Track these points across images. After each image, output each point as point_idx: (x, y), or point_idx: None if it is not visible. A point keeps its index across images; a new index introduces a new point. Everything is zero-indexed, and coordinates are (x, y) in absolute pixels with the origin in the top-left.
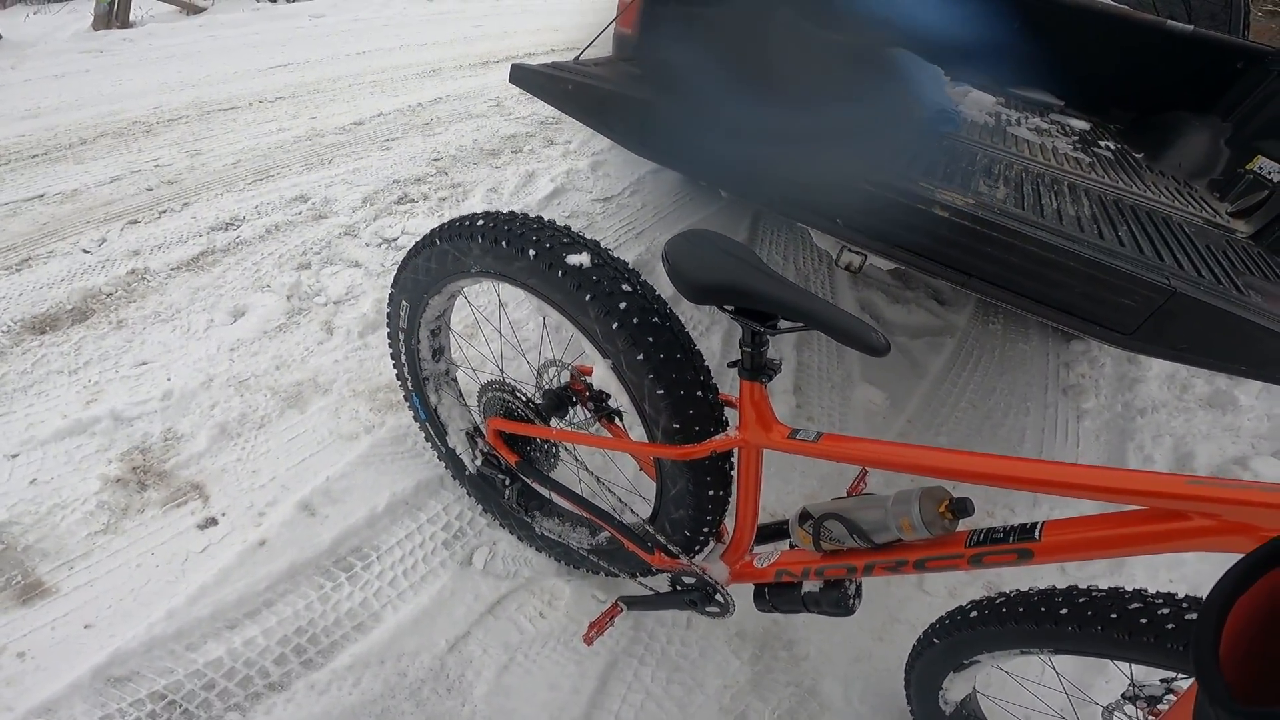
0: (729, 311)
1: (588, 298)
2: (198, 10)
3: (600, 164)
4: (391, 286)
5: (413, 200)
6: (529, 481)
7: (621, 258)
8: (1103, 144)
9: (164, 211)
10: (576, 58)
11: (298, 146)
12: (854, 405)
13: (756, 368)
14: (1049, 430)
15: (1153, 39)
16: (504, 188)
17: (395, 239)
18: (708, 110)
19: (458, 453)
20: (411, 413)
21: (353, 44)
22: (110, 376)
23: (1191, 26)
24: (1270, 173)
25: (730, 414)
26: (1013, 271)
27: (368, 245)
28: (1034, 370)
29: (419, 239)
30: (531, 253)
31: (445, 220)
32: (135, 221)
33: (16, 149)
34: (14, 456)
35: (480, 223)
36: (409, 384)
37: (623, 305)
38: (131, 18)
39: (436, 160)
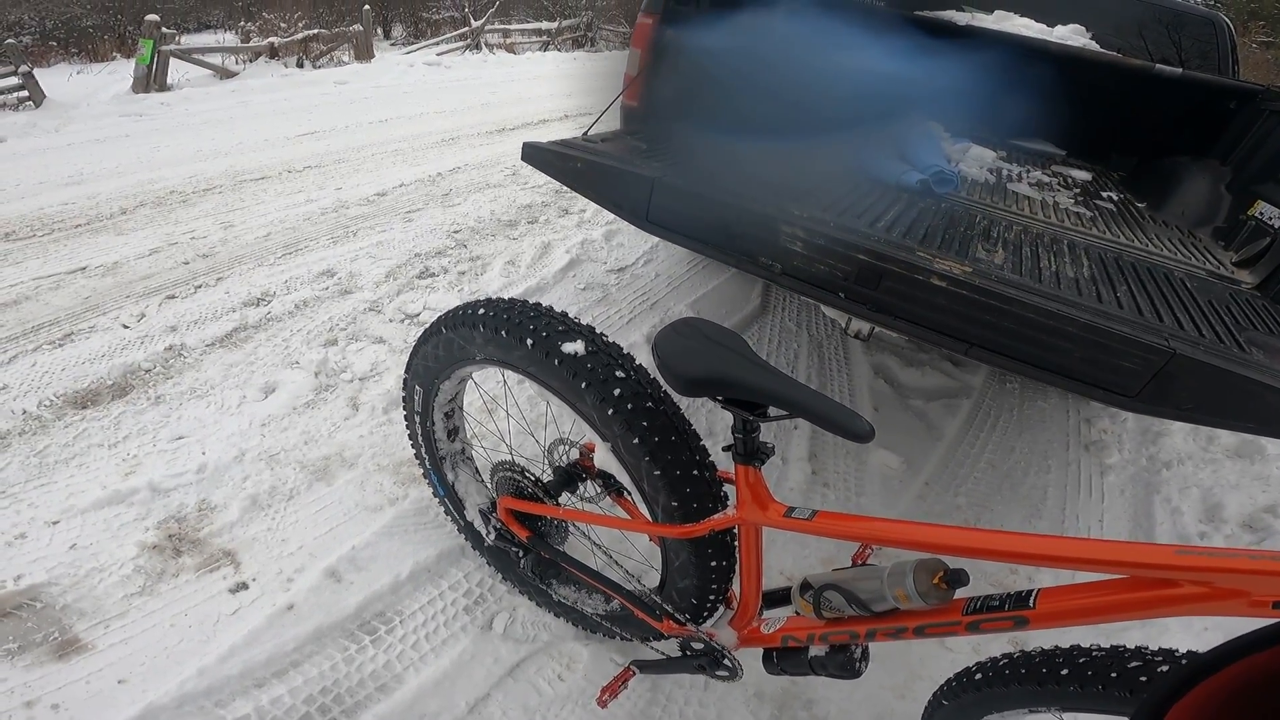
0: (719, 401)
1: (583, 385)
2: (230, 74)
3: (614, 233)
4: (405, 371)
5: (434, 274)
6: (541, 554)
7: (619, 341)
8: (1105, 195)
9: (199, 286)
10: (584, 133)
11: (324, 219)
12: (870, 470)
13: (749, 453)
14: (1072, 487)
15: (1145, 84)
16: (521, 260)
17: (417, 314)
18: (707, 185)
19: (475, 526)
20: (430, 489)
21: (375, 111)
22: (148, 450)
23: (1180, 69)
24: (1271, 218)
25: (731, 489)
26: (1012, 338)
27: (391, 321)
28: (1054, 428)
29: (427, 327)
30: (529, 342)
31: (450, 309)
32: (173, 296)
33: (60, 218)
34: (54, 523)
35: (481, 312)
36: (426, 462)
37: (617, 392)
38: (169, 80)
39: (456, 232)
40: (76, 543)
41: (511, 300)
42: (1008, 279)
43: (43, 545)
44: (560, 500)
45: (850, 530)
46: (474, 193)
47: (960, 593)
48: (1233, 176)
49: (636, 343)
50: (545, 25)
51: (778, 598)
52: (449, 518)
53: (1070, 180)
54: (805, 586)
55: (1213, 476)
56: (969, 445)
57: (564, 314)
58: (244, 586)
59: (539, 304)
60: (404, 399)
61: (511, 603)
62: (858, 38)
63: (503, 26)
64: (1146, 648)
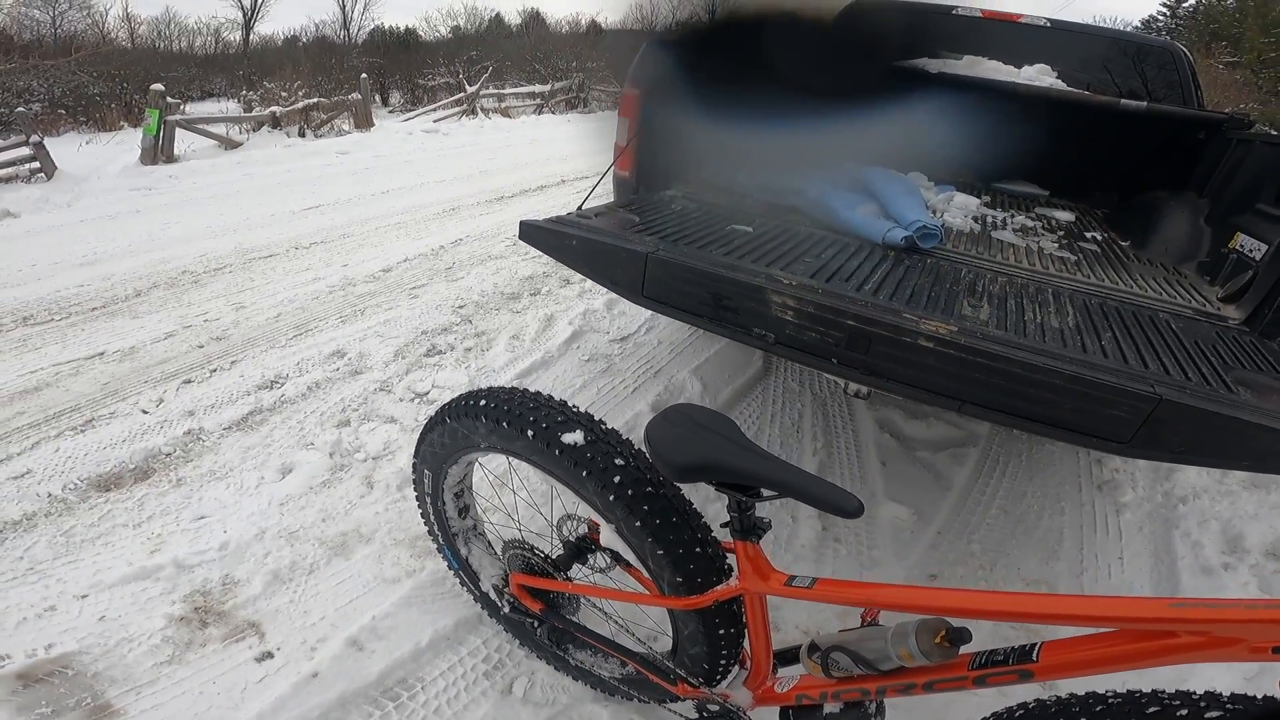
0: (713, 484)
1: (584, 474)
2: (235, 144)
3: (614, 301)
4: (414, 457)
5: (441, 352)
6: (555, 625)
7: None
8: (1089, 235)
9: (214, 370)
10: (579, 208)
11: (332, 297)
12: (880, 524)
13: (746, 529)
14: (1088, 528)
15: (1114, 119)
16: (525, 334)
17: (426, 393)
18: (698, 258)
19: (491, 596)
20: (445, 562)
21: (377, 181)
22: (172, 529)
23: (1145, 103)
24: (1251, 250)
25: (734, 557)
26: (1002, 394)
27: (401, 400)
28: (1064, 471)
29: (432, 415)
30: (530, 433)
31: (452, 399)
32: (189, 381)
33: (77, 300)
34: (83, 597)
35: (483, 403)
36: (439, 539)
37: (617, 479)
38: (176, 151)
39: (460, 308)
40: (105, 615)
41: (511, 390)
42: (993, 335)
43: (72, 617)
44: (571, 572)
45: (848, 596)
46: (476, 265)
47: (967, 646)
48: (1211, 209)
49: (641, 411)
50: (538, 88)
51: (790, 656)
52: (465, 589)
53: (1054, 222)
54: (813, 648)
55: (1230, 508)
56: (979, 493)
57: (563, 403)
58: (269, 655)
59: (538, 393)
60: (414, 481)
61: (530, 667)
62: (840, 94)
63: (497, 91)
64: (1163, 691)
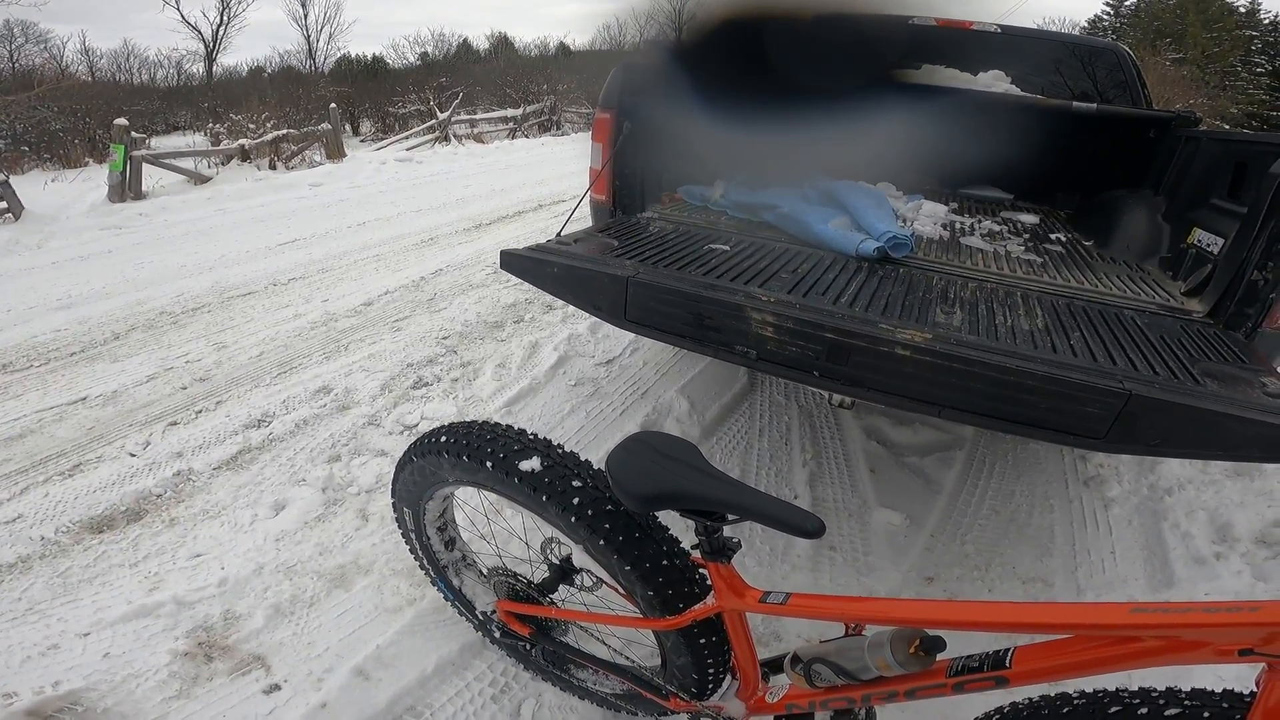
0: (678, 512)
1: (544, 498)
2: (204, 179)
3: (598, 325)
4: (392, 496)
5: (428, 384)
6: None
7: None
8: (1053, 236)
9: (200, 411)
10: (558, 234)
11: (315, 333)
12: (874, 530)
13: (714, 551)
14: (1078, 524)
15: (1069, 121)
16: (511, 362)
17: (416, 425)
18: (678, 280)
19: (487, 623)
20: (440, 593)
21: (352, 213)
22: (169, 568)
23: (1095, 105)
24: (1208, 245)
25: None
26: (978, 397)
27: (390, 434)
28: (1051, 469)
29: (401, 455)
30: (489, 463)
31: (417, 439)
32: (175, 423)
33: (54, 346)
34: (85, 635)
35: (443, 439)
36: (430, 572)
37: (576, 500)
38: (144, 187)
39: (445, 339)
40: (109, 652)
41: (471, 423)
42: (966, 340)
43: (76, 654)
44: (559, 593)
45: (820, 610)
46: (458, 295)
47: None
48: (1168, 205)
49: (631, 431)
50: (511, 113)
51: (779, 665)
52: (463, 617)
53: (1020, 225)
54: (795, 660)
55: (1216, 498)
56: (969, 494)
57: (520, 431)
58: (277, 688)
59: (498, 424)
60: (396, 520)
61: (537, 689)
62: (809, 107)
63: (469, 117)
64: (1125, 690)
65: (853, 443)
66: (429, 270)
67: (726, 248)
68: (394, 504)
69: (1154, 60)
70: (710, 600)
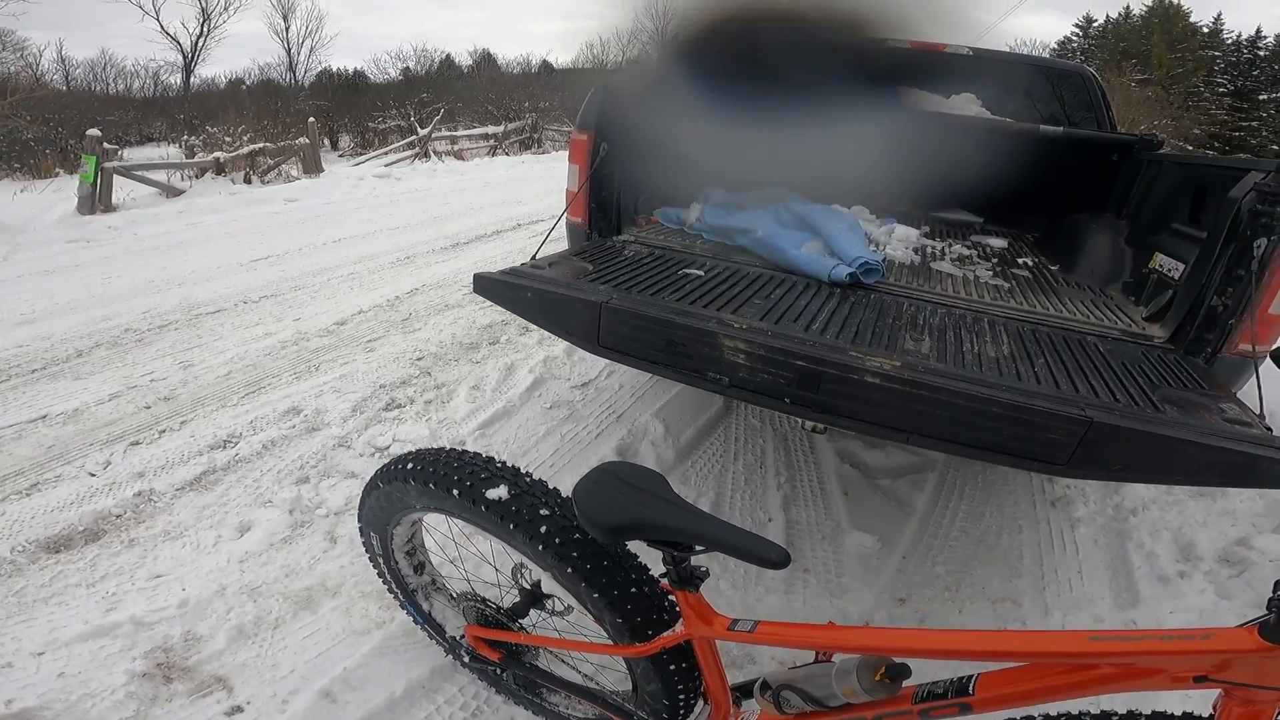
0: (645, 542)
1: (511, 526)
2: (177, 192)
3: (574, 348)
4: (359, 521)
5: (400, 405)
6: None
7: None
8: (1021, 261)
9: (164, 431)
10: (533, 257)
11: (285, 353)
12: (847, 552)
13: (682, 580)
14: (1045, 544)
15: (1037, 145)
16: (486, 384)
17: (387, 447)
18: (652, 306)
19: (457, 648)
20: (409, 616)
21: (328, 230)
22: (127, 588)
23: (1062, 128)
24: (1170, 270)
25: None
26: (945, 424)
27: (361, 455)
28: (1019, 490)
29: (368, 481)
30: (455, 491)
31: (383, 465)
32: (137, 443)
33: (16, 362)
34: (39, 654)
35: (410, 466)
36: (399, 596)
37: (543, 529)
38: (114, 199)
39: (419, 360)
40: (65, 671)
41: (438, 451)
42: (934, 368)
43: (30, 673)
44: (530, 618)
45: (787, 638)
46: (433, 315)
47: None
48: (1130, 230)
49: (607, 455)
50: (492, 130)
51: (750, 689)
52: (433, 641)
53: (988, 250)
54: (764, 686)
55: (1180, 517)
56: (940, 516)
57: (488, 459)
58: (239, 710)
59: (465, 451)
60: (364, 544)
61: (509, 713)
62: (786, 127)
63: (450, 134)
64: (1087, 713)
65: (826, 466)
66: (404, 289)
67: (701, 273)
68: (361, 529)
69: (1120, 81)
70: (679, 628)
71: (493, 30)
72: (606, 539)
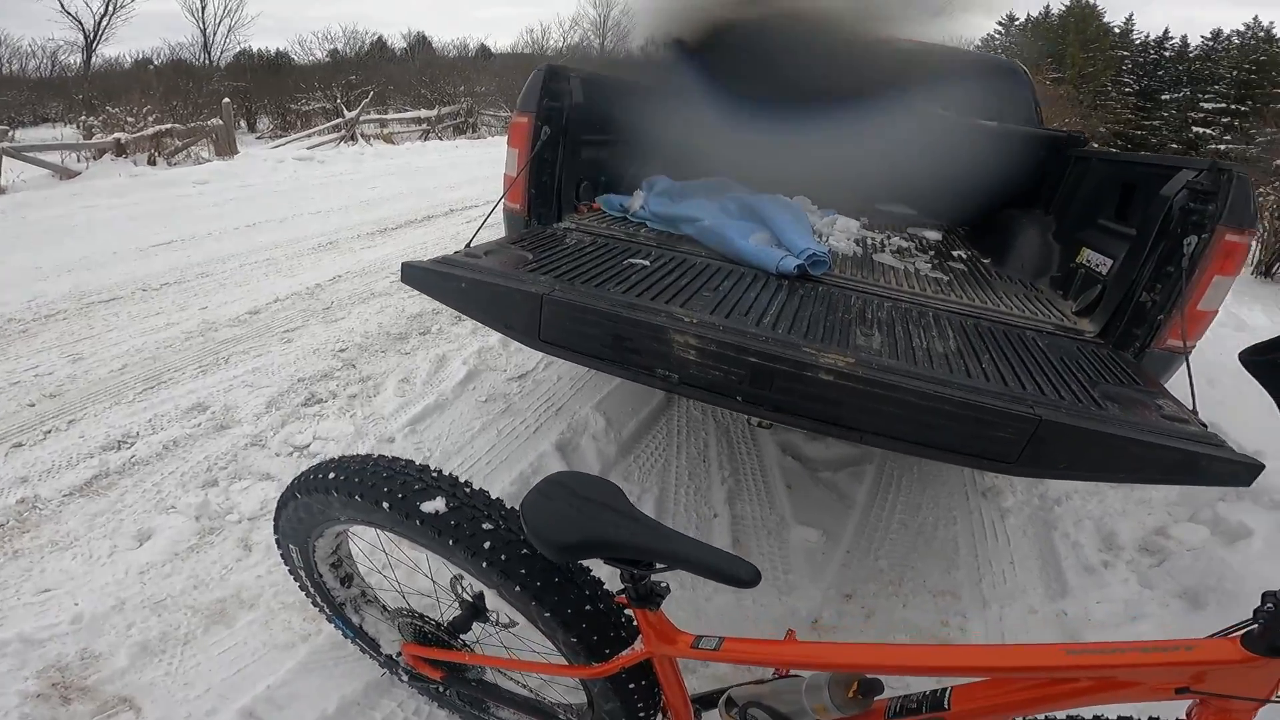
0: (602, 560)
1: (450, 542)
2: (72, 174)
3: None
4: (275, 532)
5: (321, 400)
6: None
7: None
8: (955, 254)
9: (49, 431)
10: (468, 245)
11: (190, 344)
12: (793, 547)
13: (642, 598)
14: (979, 535)
15: (970, 138)
16: (416, 377)
17: (307, 445)
18: (597, 298)
19: (394, 665)
20: (339, 631)
21: (242, 214)
22: (12, 604)
23: (996, 122)
24: (1097, 265)
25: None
26: (898, 423)
27: (278, 455)
28: (952, 481)
29: (283, 490)
30: (386, 504)
31: (301, 473)
32: (19, 445)
33: None
34: None
35: (332, 476)
36: (325, 609)
37: (487, 545)
38: (2, 181)
39: (342, 351)
40: None
41: (365, 459)
42: (888, 365)
43: None
44: (472, 630)
45: (755, 656)
46: (358, 304)
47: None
48: (1057, 225)
49: (546, 451)
50: (425, 114)
51: (712, 700)
52: (366, 655)
53: (925, 242)
54: (730, 703)
55: (1100, 507)
56: (879, 509)
57: (422, 468)
58: None
59: (396, 459)
60: (282, 556)
61: None
62: (735, 117)
63: (379, 117)
64: None
65: (769, 458)
66: (326, 276)
67: (646, 263)
68: (278, 540)
69: (1036, 79)
70: (639, 645)
71: (431, 14)
72: (560, 558)
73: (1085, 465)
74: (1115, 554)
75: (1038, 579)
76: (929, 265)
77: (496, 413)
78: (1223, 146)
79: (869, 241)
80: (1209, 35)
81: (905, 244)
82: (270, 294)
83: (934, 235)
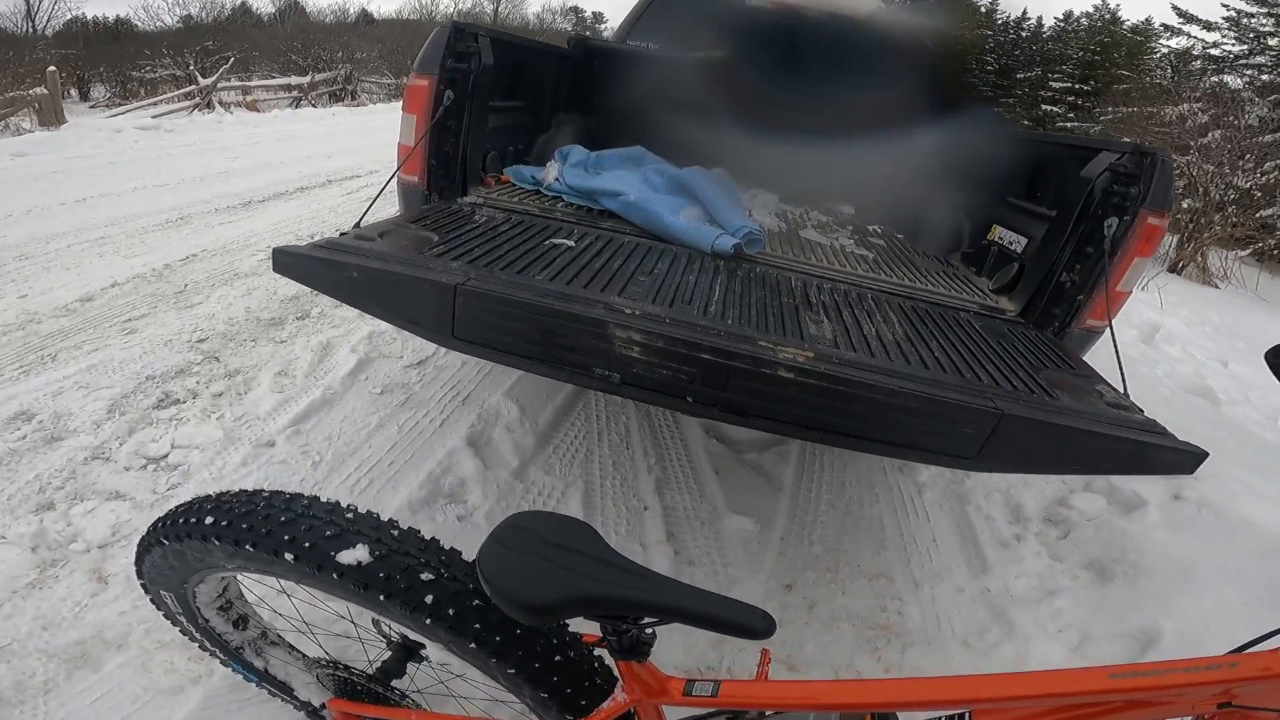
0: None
1: (381, 597)
2: None
3: None
4: (139, 577)
5: (179, 401)
6: None
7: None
8: (871, 228)
9: None
10: (357, 224)
11: (6, 340)
12: (728, 538)
13: (627, 650)
14: (901, 512)
15: (877, 113)
16: (296, 368)
17: (164, 456)
18: (524, 289)
19: (315, 708)
20: (240, 675)
21: (68, 188)
22: None
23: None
24: (1010, 243)
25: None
26: (862, 421)
27: (128, 469)
28: (869, 458)
29: (143, 534)
30: (290, 556)
31: (163, 515)
32: None
33: None
34: None
35: (210, 520)
36: (218, 654)
37: (429, 599)
38: None
39: (201, 342)
40: None
41: (252, 496)
42: (847, 359)
43: None
44: (408, 674)
45: (760, 699)
46: (219, 286)
47: None
48: (966, 200)
49: (455, 448)
50: (296, 80)
51: None
52: (278, 699)
53: (841, 216)
54: None
55: (1001, 479)
56: (807, 490)
57: (333, 506)
58: None
59: (296, 496)
60: (151, 601)
61: None
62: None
63: (241, 84)
64: None
65: (694, 442)
66: (176, 256)
67: (571, 243)
68: (144, 585)
69: None
70: (620, 695)
71: None
72: (533, 621)
73: (1041, 459)
74: (1024, 526)
75: (959, 555)
76: (852, 241)
77: (395, 405)
78: (1069, 125)
79: (789, 216)
80: (1060, 16)
81: (824, 218)
82: (106, 278)
83: (848, 209)
